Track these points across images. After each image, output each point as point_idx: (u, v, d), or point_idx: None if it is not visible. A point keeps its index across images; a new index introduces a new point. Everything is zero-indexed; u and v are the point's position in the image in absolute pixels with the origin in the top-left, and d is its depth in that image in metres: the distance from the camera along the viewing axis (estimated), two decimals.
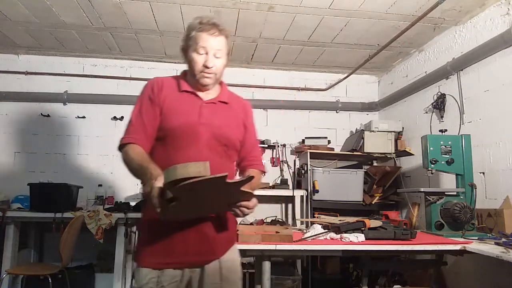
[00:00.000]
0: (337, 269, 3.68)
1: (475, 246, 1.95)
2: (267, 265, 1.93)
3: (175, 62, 4.05)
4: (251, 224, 3.70)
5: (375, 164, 4.25)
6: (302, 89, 4.48)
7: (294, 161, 4.30)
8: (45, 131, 4.09)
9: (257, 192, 4.38)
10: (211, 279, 1.48)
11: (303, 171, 3.97)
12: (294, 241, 1.92)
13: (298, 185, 4.06)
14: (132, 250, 3.51)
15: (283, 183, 4.11)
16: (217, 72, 1.53)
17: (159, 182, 1.20)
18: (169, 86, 1.54)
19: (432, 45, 3.53)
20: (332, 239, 2.03)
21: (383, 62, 4.14)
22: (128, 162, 1.41)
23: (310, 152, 3.90)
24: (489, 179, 2.77)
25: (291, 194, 3.87)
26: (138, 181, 1.41)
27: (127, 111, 1.64)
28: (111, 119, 4.03)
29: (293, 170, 4.26)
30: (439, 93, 3.30)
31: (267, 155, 4.32)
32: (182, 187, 1.13)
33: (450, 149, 2.55)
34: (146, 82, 1.58)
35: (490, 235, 2.31)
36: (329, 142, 4.12)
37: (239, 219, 4.04)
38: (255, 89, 4.43)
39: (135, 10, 3.11)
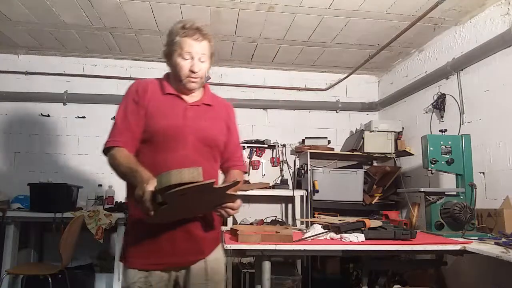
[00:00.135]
0: (337, 269, 3.68)
1: (475, 246, 1.95)
2: (267, 265, 1.93)
3: None
4: (251, 224, 3.70)
5: (375, 164, 4.25)
6: (302, 89, 4.48)
7: (294, 161, 4.30)
8: (45, 131, 4.08)
9: (257, 192, 4.35)
10: (197, 279, 1.51)
11: (303, 171, 3.97)
12: (294, 241, 1.92)
13: (298, 185, 4.06)
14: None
15: (283, 183, 4.11)
16: (203, 76, 1.55)
17: (151, 186, 1.22)
18: (153, 88, 1.56)
19: (432, 45, 3.53)
20: (332, 239, 2.03)
21: (383, 62, 4.14)
22: (116, 166, 1.42)
23: (310, 152, 3.90)
24: (489, 179, 2.77)
25: (291, 194, 3.87)
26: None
27: None
28: (111, 119, 4.02)
29: (293, 170, 4.27)
30: (439, 93, 3.30)
31: (267, 155, 4.32)
32: (176, 192, 1.16)
33: (450, 149, 2.55)
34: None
35: (490, 235, 2.31)
36: (329, 142, 4.12)
37: (239, 219, 4.06)
38: (255, 89, 4.43)
39: (135, 10, 3.11)
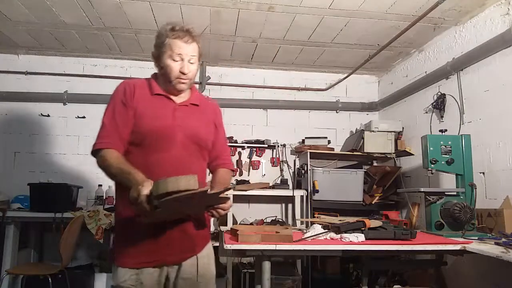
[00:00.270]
0: (337, 269, 3.68)
1: (475, 246, 1.95)
2: (267, 265, 1.93)
3: None
4: (251, 224, 3.70)
5: (375, 164, 4.25)
6: (302, 89, 4.48)
7: (294, 161, 4.30)
8: (45, 131, 4.09)
9: (257, 192, 4.34)
10: (188, 275, 1.54)
11: (303, 171, 3.97)
12: (294, 241, 1.92)
13: (298, 185, 4.06)
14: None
15: (283, 183, 4.11)
16: (192, 77, 1.58)
17: (146, 189, 1.25)
18: (141, 89, 1.57)
19: (432, 45, 3.53)
20: (332, 239, 2.03)
21: (383, 62, 4.14)
22: (107, 168, 1.44)
23: (310, 152, 3.90)
24: (489, 179, 2.77)
25: (291, 194, 3.87)
26: None
27: None
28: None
29: (293, 170, 4.26)
30: (439, 93, 3.30)
31: (267, 155, 4.32)
32: (172, 199, 1.21)
33: (450, 149, 2.55)
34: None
35: (490, 235, 2.31)
36: (329, 142, 4.12)
37: (239, 219, 4.05)
38: (255, 89, 4.43)
39: (135, 10, 3.11)
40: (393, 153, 3.87)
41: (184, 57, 1.52)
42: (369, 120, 4.10)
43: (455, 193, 2.54)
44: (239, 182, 4.02)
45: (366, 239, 2.01)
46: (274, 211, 4.21)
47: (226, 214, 3.56)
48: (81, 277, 3.51)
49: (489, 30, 2.82)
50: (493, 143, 2.74)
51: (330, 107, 4.46)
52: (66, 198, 3.43)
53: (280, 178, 4.26)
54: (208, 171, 1.74)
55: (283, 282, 3.20)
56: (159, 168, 1.48)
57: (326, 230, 2.12)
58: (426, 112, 3.53)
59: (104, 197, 3.70)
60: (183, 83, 1.55)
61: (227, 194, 1.43)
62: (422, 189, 2.61)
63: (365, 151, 3.85)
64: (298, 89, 4.47)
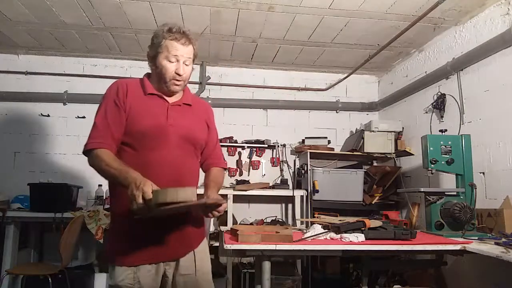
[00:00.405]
0: (337, 269, 3.68)
1: (475, 246, 1.95)
2: (267, 265, 1.93)
3: None
4: (251, 224, 3.70)
5: (375, 164, 4.25)
6: (302, 89, 4.48)
7: (294, 161, 4.30)
8: (45, 131, 4.09)
9: (257, 192, 4.34)
10: (186, 271, 1.57)
11: (303, 171, 3.97)
12: (294, 241, 1.92)
13: (298, 185, 4.06)
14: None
15: (283, 183, 4.11)
16: (186, 79, 1.60)
17: (147, 189, 1.27)
18: (134, 89, 1.59)
19: (432, 45, 3.53)
20: (332, 239, 2.03)
21: (383, 62, 4.14)
22: (102, 167, 1.44)
23: (310, 152, 3.90)
24: (489, 179, 2.77)
25: (291, 194, 3.87)
26: None
27: None
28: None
29: (293, 170, 4.26)
30: (439, 93, 3.30)
31: (267, 155, 4.32)
32: (169, 209, 1.28)
33: (450, 149, 2.55)
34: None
35: (490, 235, 2.31)
36: (329, 142, 4.12)
37: (239, 219, 4.06)
38: (255, 89, 4.43)
39: (135, 10, 3.11)
40: (393, 153, 3.87)
41: (180, 58, 1.54)
42: (369, 120, 4.10)
43: (455, 193, 2.54)
44: (239, 182, 4.02)
45: (366, 239, 2.01)
46: (274, 211, 4.21)
47: (226, 214, 3.59)
48: (81, 277, 3.51)
49: (489, 30, 2.82)
50: (493, 143, 2.74)
51: (330, 107, 4.46)
52: (66, 198, 3.43)
53: (280, 178, 4.26)
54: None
55: (283, 282, 3.20)
56: (154, 167, 1.50)
57: (326, 230, 2.12)
58: (426, 112, 3.53)
59: (104, 197, 3.70)
60: (177, 84, 1.57)
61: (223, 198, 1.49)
62: (422, 189, 2.61)
63: (365, 151, 3.85)
64: (298, 89, 4.47)
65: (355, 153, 3.92)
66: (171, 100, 1.61)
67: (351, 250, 1.97)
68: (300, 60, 4.17)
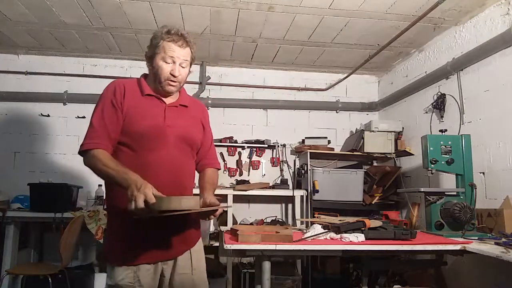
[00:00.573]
0: (337, 269, 3.68)
1: (475, 246, 1.95)
2: (267, 265, 1.93)
3: None
4: (251, 224, 3.70)
5: (375, 164, 4.25)
6: (302, 89, 4.48)
7: (294, 161, 4.30)
8: (45, 131, 4.09)
9: (257, 192, 4.35)
10: (183, 270, 1.60)
11: (303, 171, 3.97)
12: (294, 241, 1.92)
13: (298, 185, 4.06)
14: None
15: (283, 183, 4.11)
16: (182, 81, 1.61)
17: (148, 193, 1.29)
18: (131, 89, 1.59)
19: (432, 45, 3.53)
20: (332, 239, 2.03)
21: (383, 62, 4.14)
22: (99, 168, 1.45)
23: (310, 152, 3.90)
24: (489, 179, 2.77)
25: (291, 194, 3.87)
26: None
27: None
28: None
29: (293, 170, 4.26)
30: (439, 93, 3.30)
31: (267, 155, 4.32)
32: (170, 214, 1.31)
33: (450, 149, 2.54)
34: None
35: (490, 235, 2.31)
36: (329, 142, 4.12)
37: (239, 219, 4.07)
38: (255, 89, 4.43)
39: (135, 10, 3.11)
40: (393, 153, 3.87)
41: (176, 60, 1.55)
42: (369, 120, 4.10)
43: (455, 193, 2.54)
44: (239, 182, 4.02)
45: (366, 239, 2.01)
46: (274, 211, 4.21)
47: (226, 214, 3.59)
48: (81, 277, 3.51)
49: (489, 30, 2.82)
50: (493, 143, 2.74)
51: (330, 107, 4.45)
52: (66, 198, 3.43)
53: (280, 178, 4.26)
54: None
55: (283, 282, 3.20)
56: (153, 167, 1.51)
57: (326, 230, 2.12)
58: (426, 112, 3.53)
59: (104, 197, 3.69)
60: (172, 85, 1.58)
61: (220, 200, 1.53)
62: (422, 189, 2.61)
63: (365, 151, 3.85)
64: (298, 89, 4.47)
65: (355, 153, 3.92)
66: (168, 101, 1.63)
67: (351, 250, 1.97)
68: (300, 60, 4.17)
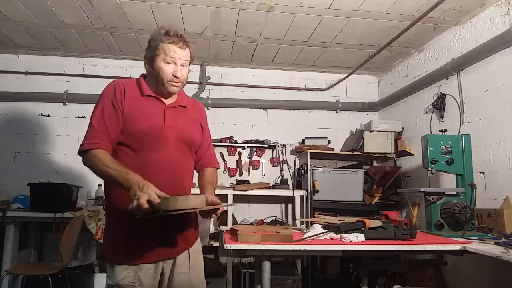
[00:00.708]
0: (337, 269, 3.68)
1: (475, 246, 1.95)
2: (267, 265, 1.93)
3: None
4: (251, 224, 3.70)
5: (375, 164, 4.25)
6: (302, 89, 4.48)
7: (294, 161, 4.30)
8: (45, 131, 4.09)
9: (257, 192, 4.36)
10: (182, 269, 1.62)
11: (303, 171, 3.97)
12: (294, 241, 1.92)
13: (298, 185, 4.06)
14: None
15: (283, 183, 4.11)
16: (184, 81, 1.63)
17: (152, 193, 1.30)
18: (131, 90, 1.60)
19: (432, 45, 3.53)
20: (332, 239, 2.03)
21: (383, 62, 4.14)
22: (99, 168, 1.45)
23: (310, 152, 3.90)
24: (489, 179, 2.77)
25: (291, 194, 3.87)
26: None
27: None
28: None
29: (293, 170, 4.26)
30: (439, 93, 3.30)
31: (267, 155, 4.32)
32: (174, 214, 1.32)
33: (450, 149, 2.55)
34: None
35: (490, 235, 2.31)
36: (329, 142, 4.12)
37: (239, 219, 4.06)
38: (255, 89, 4.43)
39: (135, 10, 3.11)
40: (393, 153, 3.87)
41: (177, 61, 1.57)
42: (369, 120, 4.10)
43: (455, 193, 2.54)
44: (239, 182, 4.02)
45: (366, 239, 2.01)
46: (274, 211, 4.21)
47: (226, 214, 3.59)
48: (81, 277, 3.51)
49: (489, 30, 2.82)
50: (493, 143, 2.74)
51: (330, 107, 4.45)
52: (66, 198, 3.43)
53: (280, 178, 4.26)
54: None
55: (283, 282, 3.20)
56: (153, 168, 1.51)
57: (326, 230, 2.12)
58: (426, 112, 3.53)
59: (104, 197, 3.69)
60: (175, 86, 1.59)
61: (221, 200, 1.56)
62: (422, 189, 2.61)
63: (365, 151, 3.85)
64: (298, 89, 4.47)
65: (355, 153, 3.92)
66: (167, 102, 1.64)
67: (351, 250, 1.97)
68: (300, 60, 4.17)
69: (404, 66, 4.04)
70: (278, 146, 4.27)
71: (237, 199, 3.88)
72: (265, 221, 3.84)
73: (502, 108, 2.68)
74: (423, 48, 3.67)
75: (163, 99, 1.63)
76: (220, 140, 4.14)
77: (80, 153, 1.52)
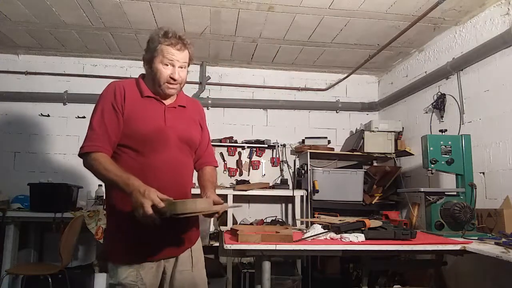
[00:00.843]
0: (337, 269, 3.68)
1: (475, 246, 1.95)
2: (267, 265, 1.93)
3: None
4: (251, 224, 3.70)
5: (375, 164, 4.25)
6: (302, 89, 4.48)
7: (294, 161, 4.30)
8: (45, 131, 4.09)
9: (257, 192, 4.36)
10: (184, 267, 1.63)
11: (303, 171, 3.97)
12: (294, 241, 1.92)
13: (298, 185, 4.06)
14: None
15: (283, 183, 4.11)
16: (182, 82, 1.62)
17: (155, 198, 1.31)
18: (131, 91, 1.60)
19: (432, 45, 3.53)
20: (332, 239, 2.03)
21: (383, 62, 4.14)
22: (100, 172, 1.45)
23: (310, 152, 3.90)
24: (489, 179, 2.77)
25: (291, 194, 3.87)
26: None
27: None
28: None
29: (293, 170, 4.26)
30: (439, 93, 3.30)
31: (267, 155, 4.32)
32: (181, 217, 1.34)
33: (450, 149, 2.54)
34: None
35: (490, 235, 2.31)
36: (329, 142, 4.12)
37: (239, 219, 4.07)
38: (255, 89, 4.43)
39: (135, 10, 3.11)
40: (393, 153, 3.87)
41: (175, 64, 1.56)
42: (369, 120, 4.10)
43: (455, 193, 2.54)
44: (239, 182, 4.02)
45: (366, 239, 2.01)
46: (274, 211, 4.21)
47: (226, 214, 3.59)
48: (81, 277, 3.51)
49: (489, 30, 2.82)
50: (493, 143, 2.74)
51: (330, 107, 4.45)
52: (66, 198, 3.43)
53: (280, 178, 4.26)
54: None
55: (283, 282, 3.20)
56: (156, 169, 1.52)
57: (326, 230, 2.12)
58: (426, 112, 3.53)
59: (104, 197, 3.69)
60: (172, 88, 1.59)
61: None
62: (422, 189, 2.61)
63: (365, 151, 3.85)
64: (298, 89, 4.47)
65: (355, 153, 3.92)
66: (167, 102, 1.64)
67: (351, 250, 1.97)
68: (300, 60, 4.17)
69: (404, 66, 4.04)
70: (278, 146, 4.27)
71: (237, 199, 3.88)
72: (265, 221, 3.84)
73: (502, 108, 2.68)
74: (423, 48, 3.67)
75: (162, 100, 1.63)
76: (220, 140, 4.14)
77: (80, 155, 1.52)
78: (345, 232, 2.04)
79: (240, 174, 4.25)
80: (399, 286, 2.94)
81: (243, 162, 4.26)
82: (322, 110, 4.47)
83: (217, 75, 4.38)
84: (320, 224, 2.23)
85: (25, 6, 3.07)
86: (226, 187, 3.92)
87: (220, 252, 3.10)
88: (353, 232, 2.04)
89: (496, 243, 1.96)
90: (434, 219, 2.45)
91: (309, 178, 3.76)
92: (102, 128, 1.51)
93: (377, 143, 3.86)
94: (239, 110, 4.36)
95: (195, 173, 1.79)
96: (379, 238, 2.04)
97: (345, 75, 4.31)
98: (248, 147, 4.24)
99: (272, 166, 4.32)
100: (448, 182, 3.01)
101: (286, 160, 4.31)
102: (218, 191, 3.50)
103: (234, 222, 3.81)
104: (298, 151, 4.23)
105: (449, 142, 2.56)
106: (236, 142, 4.20)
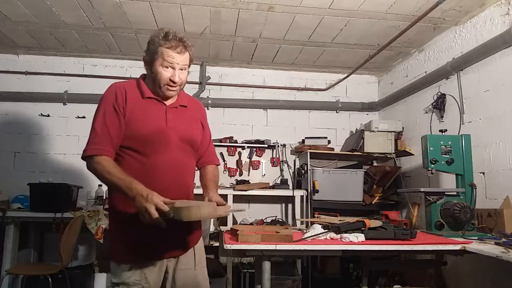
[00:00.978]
0: (337, 269, 3.68)
1: (475, 246, 1.95)
2: (267, 265, 1.93)
3: None
4: (251, 224, 3.70)
5: (375, 164, 4.25)
6: (302, 89, 4.48)
7: (294, 161, 4.30)
8: (45, 131, 4.09)
9: (257, 192, 4.36)
10: (187, 265, 1.64)
11: (303, 171, 3.97)
12: (294, 241, 1.92)
13: (298, 185, 4.06)
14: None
15: (283, 183, 4.11)
16: (182, 84, 1.63)
17: (158, 201, 1.32)
18: (132, 92, 1.60)
19: (432, 45, 3.53)
20: (332, 239, 2.03)
21: (383, 62, 4.14)
22: (103, 175, 1.46)
23: (310, 152, 3.90)
24: (489, 179, 2.77)
25: (291, 194, 3.87)
26: None
27: None
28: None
29: (293, 170, 4.26)
30: (439, 93, 3.30)
31: (267, 155, 4.32)
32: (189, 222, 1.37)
33: (450, 149, 2.54)
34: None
35: (490, 235, 2.31)
36: (329, 142, 4.12)
37: (239, 219, 4.06)
38: (255, 89, 4.43)
39: (135, 10, 3.11)
40: (393, 153, 3.87)
41: (176, 66, 1.56)
42: (369, 120, 4.10)
43: (455, 193, 2.54)
44: (239, 182, 4.02)
45: (366, 239, 2.00)
46: (274, 211, 4.21)
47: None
48: (81, 277, 3.51)
49: (489, 30, 2.82)
50: (493, 143, 2.74)
51: (330, 107, 4.45)
52: (66, 198, 3.43)
53: (280, 178, 4.26)
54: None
55: (283, 282, 3.20)
56: (157, 170, 1.53)
57: (326, 230, 2.12)
58: (426, 112, 3.53)
59: (104, 197, 3.69)
60: (172, 90, 1.59)
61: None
62: (422, 189, 2.61)
63: (365, 151, 3.85)
64: (298, 89, 4.47)
65: (355, 153, 3.92)
66: (167, 102, 1.64)
67: (351, 250, 1.97)
68: (300, 60, 4.17)
69: (404, 66, 4.04)
70: (278, 146, 4.27)
71: (237, 199, 3.88)
72: (265, 221, 3.83)
73: (502, 108, 2.68)
74: (423, 48, 3.67)
75: (163, 101, 1.63)
76: (220, 140, 4.14)
77: (83, 158, 1.52)
78: (345, 232, 2.04)
79: (240, 174, 4.25)
80: (399, 286, 2.94)
81: (243, 162, 4.26)
82: (322, 110, 4.47)
83: (217, 75, 4.38)
84: (320, 224, 2.23)
85: (25, 6, 3.07)
86: (226, 187, 3.92)
87: (220, 252, 3.10)
88: (353, 232, 2.04)
89: (496, 243, 1.96)
90: (434, 219, 2.45)
91: (309, 178, 3.76)
92: (104, 131, 1.52)
93: (377, 143, 3.86)
94: (239, 110, 4.36)
95: (197, 173, 1.80)
96: (379, 238, 2.04)
97: (345, 75, 4.30)
98: (248, 147, 4.24)
99: (272, 166, 4.32)
100: (448, 182, 3.01)
101: (286, 160, 4.32)
102: (218, 191, 3.51)
103: (234, 222, 3.80)
104: (298, 151, 4.23)
105: (449, 142, 2.56)
106: (236, 142, 4.20)
